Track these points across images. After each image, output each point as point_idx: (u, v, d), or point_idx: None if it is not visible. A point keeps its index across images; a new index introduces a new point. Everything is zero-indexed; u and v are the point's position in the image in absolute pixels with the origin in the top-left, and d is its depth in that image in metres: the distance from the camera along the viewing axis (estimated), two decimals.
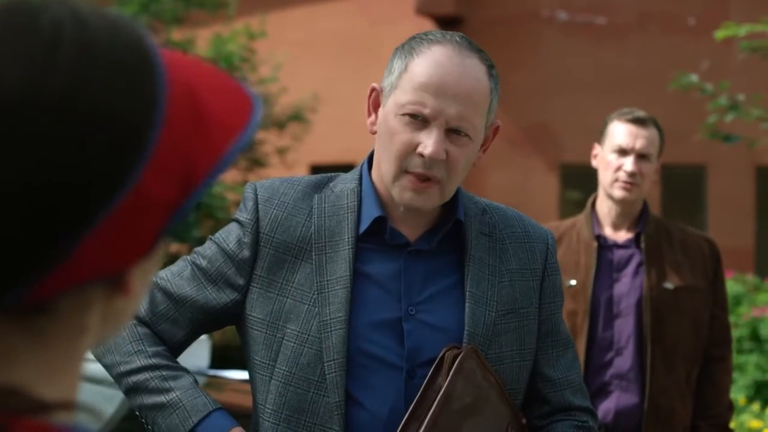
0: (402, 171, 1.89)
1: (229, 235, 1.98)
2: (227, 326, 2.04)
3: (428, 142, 1.86)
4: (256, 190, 1.99)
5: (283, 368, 1.91)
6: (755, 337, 7.98)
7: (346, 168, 2.16)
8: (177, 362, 1.99)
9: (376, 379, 1.89)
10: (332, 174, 2.04)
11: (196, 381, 1.96)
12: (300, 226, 1.95)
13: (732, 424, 3.54)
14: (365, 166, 2.01)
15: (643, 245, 3.42)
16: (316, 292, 1.91)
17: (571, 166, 11.78)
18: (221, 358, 6.86)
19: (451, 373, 1.86)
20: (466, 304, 1.93)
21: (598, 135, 3.51)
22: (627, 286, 3.40)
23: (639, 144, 3.39)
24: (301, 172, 12.61)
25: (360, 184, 1.99)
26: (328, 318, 1.89)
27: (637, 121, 3.41)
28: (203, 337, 2.49)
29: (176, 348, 2.01)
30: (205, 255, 1.99)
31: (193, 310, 1.98)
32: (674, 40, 11.78)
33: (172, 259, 10.45)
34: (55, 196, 0.72)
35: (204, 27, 11.41)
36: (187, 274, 1.99)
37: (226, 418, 1.91)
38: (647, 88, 11.14)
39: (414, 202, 1.90)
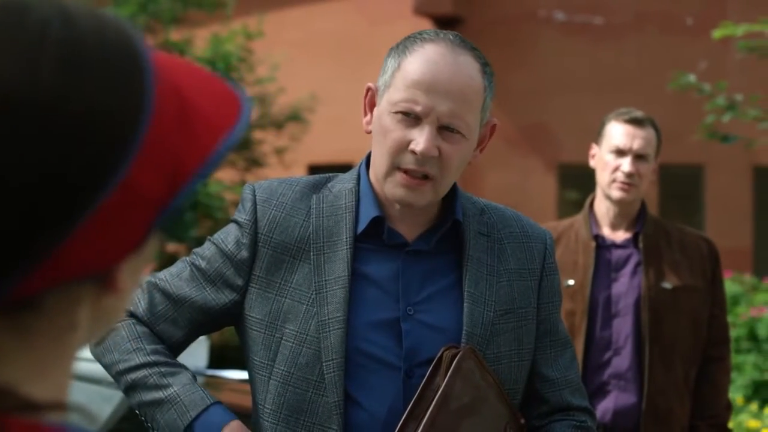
0: (394, 168, 1.90)
1: (228, 235, 1.98)
2: (226, 327, 2.04)
3: (420, 139, 1.86)
4: (254, 191, 1.99)
5: (282, 368, 1.91)
6: (753, 337, 7.98)
7: (344, 168, 2.17)
8: (175, 360, 1.99)
9: (374, 379, 1.90)
10: (330, 174, 2.05)
11: (194, 377, 1.96)
12: (298, 227, 1.95)
13: (730, 424, 3.54)
14: (363, 166, 2.01)
15: (641, 245, 3.42)
16: (314, 292, 1.91)
17: (569, 166, 11.78)
18: (219, 358, 6.86)
19: (449, 373, 1.87)
20: (465, 304, 1.93)
21: (596, 135, 3.51)
22: (625, 286, 3.41)
23: (636, 144, 3.40)
24: (299, 172, 12.61)
25: (358, 184, 1.99)
26: (327, 318, 1.89)
27: (635, 122, 3.42)
28: (201, 337, 2.49)
29: (175, 348, 2.01)
30: (204, 256, 1.99)
31: (191, 311, 1.98)
32: (672, 40, 11.79)
33: (169, 259, 10.38)
34: (41, 191, 0.72)
35: (202, 27, 11.41)
36: (186, 275, 1.99)
37: (223, 412, 1.91)
38: (645, 88, 11.15)
39: (406, 198, 1.90)
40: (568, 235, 3.49)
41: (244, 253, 1.95)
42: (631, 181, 3.39)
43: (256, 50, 11.42)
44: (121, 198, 0.75)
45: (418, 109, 1.87)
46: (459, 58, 1.90)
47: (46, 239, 0.73)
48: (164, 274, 2.02)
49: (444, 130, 1.88)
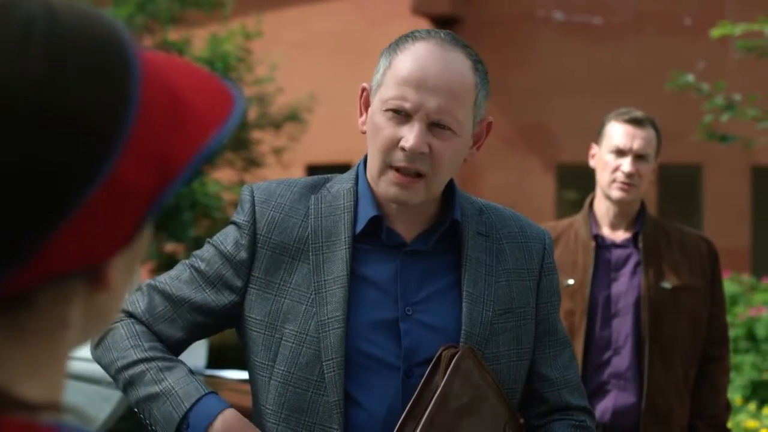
0: (386, 166, 1.90)
1: (227, 237, 1.99)
2: (227, 329, 2.04)
3: (409, 136, 1.87)
4: (252, 193, 1.99)
5: (282, 368, 1.91)
6: (751, 337, 7.98)
7: (343, 168, 2.17)
8: (173, 356, 1.99)
9: (373, 378, 1.90)
10: (328, 175, 2.05)
11: (191, 371, 1.96)
12: (297, 227, 1.95)
13: (729, 424, 3.54)
14: (361, 167, 2.01)
15: (641, 245, 3.42)
16: (313, 292, 1.91)
17: (568, 166, 11.79)
18: (218, 357, 6.85)
19: (448, 373, 1.87)
20: (463, 304, 1.93)
21: (595, 135, 3.51)
22: (625, 286, 3.41)
23: (637, 144, 3.40)
24: (298, 172, 12.61)
25: (356, 184, 1.99)
26: (326, 318, 1.89)
27: (635, 122, 3.42)
28: None
29: (174, 348, 2.01)
30: (203, 258, 2.00)
31: (191, 312, 1.98)
32: (671, 40, 11.79)
33: (168, 259, 10.37)
34: (27, 187, 0.72)
35: (200, 27, 11.41)
36: (186, 277, 2.00)
37: (218, 401, 1.91)
38: (644, 88, 11.16)
39: (399, 196, 1.90)
40: (568, 234, 3.49)
41: (243, 254, 1.95)
42: (631, 181, 3.39)
43: (255, 50, 11.42)
44: (108, 192, 0.75)
45: (407, 105, 1.88)
46: (448, 54, 1.91)
47: (32, 234, 0.73)
48: (164, 277, 2.03)
49: (434, 126, 1.89)
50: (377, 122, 1.91)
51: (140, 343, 1.97)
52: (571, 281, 3.39)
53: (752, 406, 7.29)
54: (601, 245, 3.45)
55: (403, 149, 1.87)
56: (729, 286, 8.25)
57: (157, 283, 2.02)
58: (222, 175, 11.42)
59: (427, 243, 1.96)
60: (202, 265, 1.99)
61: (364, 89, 2.00)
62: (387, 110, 1.90)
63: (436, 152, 1.88)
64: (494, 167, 11.76)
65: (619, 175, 3.39)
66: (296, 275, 1.93)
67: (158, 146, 0.78)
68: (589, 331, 3.37)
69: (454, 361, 1.87)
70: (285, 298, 1.92)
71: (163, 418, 1.90)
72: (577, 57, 11.99)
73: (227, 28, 11.29)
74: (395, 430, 1.85)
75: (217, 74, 0.86)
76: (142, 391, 1.93)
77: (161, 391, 1.91)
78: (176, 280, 2.00)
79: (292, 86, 11.79)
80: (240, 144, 11.44)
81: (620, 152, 3.40)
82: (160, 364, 1.95)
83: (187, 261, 2.03)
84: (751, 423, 6.89)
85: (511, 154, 11.94)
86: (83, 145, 0.74)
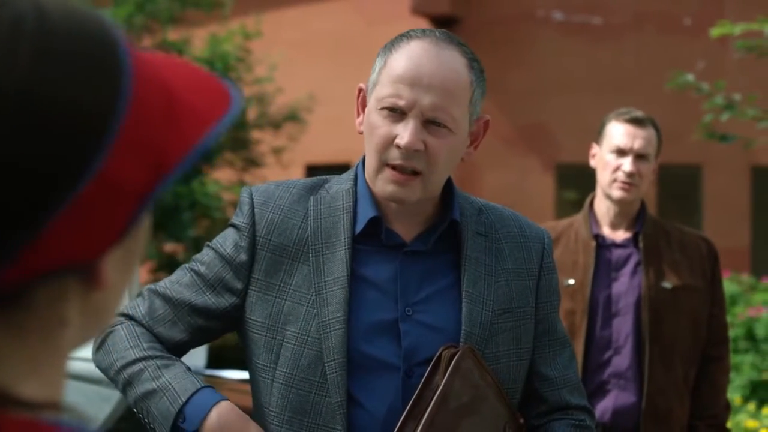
0: (382, 164, 1.90)
1: (226, 240, 1.99)
2: (229, 333, 2.04)
3: (404, 134, 1.87)
4: (251, 195, 1.99)
5: (284, 370, 1.91)
6: (751, 337, 7.98)
7: (342, 168, 2.17)
8: (172, 355, 1.99)
9: (374, 379, 1.90)
10: (327, 176, 2.05)
11: (189, 369, 1.96)
12: (296, 229, 1.95)
13: (728, 424, 3.54)
14: (360, 167, 2.01)
15: (641, 245, 3.42)
16: (314, 294, 1.91)
17: (568, 166, 11.79)
18: (218, 358, 6.86)
19: (448, 373, 1.87)
20: (463, 304, 1.93)
21: (595, 135, 3.51)
22: (625, 286, 3.41)
23: (637, 144, 3.40)
24: (297, 173, 12.61)
25: (355, 184, 1.99)
26: (327, 318, 1.89)
27: (635, 122, 3.42)
28: None
29: (175, 351, 2.01)
30: (203, 261, 2.00)
31: (192, 315, 1.98)
32: (670, 40, 11.79)
33: (167, 258, 10.35)
34: (15, 183, 0.72)
35: (200, 27, 11.41)
36: (186, 281, 2.00)
37: (213, 393, 1.91)
38: (643, 88, 11.16)
39: (396, 194, 1.90)
40: (568, 234, 3.49)
41: (243, 257, 1.95)
42: (631, 180, 3.39)
43: (254, 50, 11.42)
44: (99, 188, 0.75)
45: (401, 103, 1.88)
46: (443, 52, 1.91)
47: (22, 230, 0.73)
48: (164, 282, 2.03)
49: (430, 124, 1.89)
50: (373, 121, 1.91)
51: (139, 343, 1.97)
52: (571, 281, 3.40)
53: (752, 406, 7.29)
54: (602, 245, 3.45)
55: (398, 147, 1.88)
56: (729, 286, 8.25)
57: (158, 288, 2.02)
58: (221, 175, 11.42)
59: (426, 243, 1.96)
60: (202, 269, 1.99)
61: (361, 90, 2.00)
62: (382, 108, 1.90)
63: (432, 150, 1.88)
64: (494, 167, 11.76)
65: (620, 175, 3.39)
66: (296, 277, 1.93)
67: (151, 142, 0.78)
68: (589, 331, 3.37)
69: (454, 361, 1.87)
70: (285, 299, 1.92)
71: (160, 413, 1.90)
72: (577, 57, 11.99)
73: (227, 28, 11.29)
74: (396, 429, 1.85)
75: (216, 74, 0.86)
76: (140, 388, 1.93)
77: (158, 386, 1.91)
78: (176, 284, 2.01)
79: (292, 86, 11.79)
80: (239, 144, 11.44)
81: (621, 152, 3.40)
82: (158, 362, 1.95)
83: (186, 265, 2.03)
84: (751, 423, 6.89)
85: (510, 154, 11.94)
86: (73, 140, 0.74)
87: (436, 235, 1.97)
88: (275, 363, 1.92)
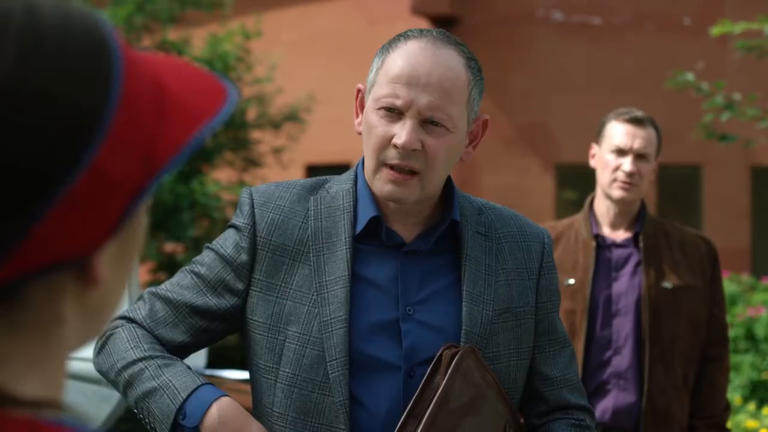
0: (381, 164, 1.90)
1: (227, 240, 1.99)
2: (231, 334, 2.03)
3: (401, 133, 1.87)
4: (251, 195, 1.99)
5: (288, 370, 1.91)
6: (750, 337, 7.98)
7: (342, 168, 2.17)
8: (172, 356, 1.99)
9: (375, 379, 1.90)
10: (327, 177, 2.05)
11: (189, 368, 1.96)
12: (297, 229, 1.95)
13: (728, 424, 3.54)
14: (360, 167, 2.01)
15: (641, 245, 3.42)
16: (315, 293, 1.91)
17: (567, 166, 11.78)
18: (218, 358, 6.86)
19: (448, 372, 1.87)
20: (463, 304, 1.93)
21: (594, 135, 3.51)
22: (625, 286, 3.41)
23: (637, 144, 3.40)
24: (297, 173, 12.61)
25: (355, 184, 1.99)
26: (329, 318, 1.89)
27: (635, 121, 3.42)
28: None
29: (176, 353, 2.00)
30: (204, 263, 1.99)
31: (193, 316, 1.98)
32: (670, 40, 11.79)
33: (167, 258, 10.32)
34: (4, 178, 0.73)
35: (199, 27, 11.40)
36: (187, 283, 2.00)
37: (214, 390, 1.91)
38: (643, 88, 11.16)
39: (394, 194, 1.90)
40: (568, 234, 3.49)
41: (244, 257, 1.95)
42: (631, 180, 3.39)
43: (254, 50, 11.41)
44: (89, 183, 0.75)
45: (398, 103, 1.88)
46: (440, 51, 1.91)
47: (12, 226, 0.73)
48: (165, 285, 2.03)
49: (427, 123, 1.89)
50: (371, 121, 1.92)
51: (140, 344, 1.97)
52: (571, 281, 3.40)
53: (751, 406, 7.29)
54: (602, 245, 3.45)
55: (395, 147, 1.88)
56: (728, 286, 8.25)
57: (158, 290, 2.02)
58: (221, 175, 11.42)
59: (426, 243, 1.96)
60: (203, 270, 1.98)
61: (359, 90, 2.01)
62: (380, 108, 1.90)
63: (430, 149, 1.88)
64: (493, 167, 11.75)
65: (620, 175, 3.39)
66: (297, 277, 1.93)
67: (143, 138, 0.78)
68: (589, 331, 3.37)
69: (454, 361, 1.87)
70: (287, 299, 1.92)
71: (161, 410, 1.90)
72: (577, 57, 11.99)
73: (226, 28, 11.29)
74: (396, 429, 1.85)
75: (215, 74, 0.86)
76: (141, 388, 1.93)
77: (159, 385, 1.91)
78: (177, 286, 2.00)
79: (292, 86, 11.79)
80: (239, 144, 11.43)
81: (621, 152, 3.40)
82: (159, 362, 1.94)
83: (187, 267, 2.03)
84: (751, 423, 6.89)
85: (510, 154, 11.94)
86: (61, 136, 0.74)
87: (436, 235, 1.97)
88: (278, 363, 1.92)
